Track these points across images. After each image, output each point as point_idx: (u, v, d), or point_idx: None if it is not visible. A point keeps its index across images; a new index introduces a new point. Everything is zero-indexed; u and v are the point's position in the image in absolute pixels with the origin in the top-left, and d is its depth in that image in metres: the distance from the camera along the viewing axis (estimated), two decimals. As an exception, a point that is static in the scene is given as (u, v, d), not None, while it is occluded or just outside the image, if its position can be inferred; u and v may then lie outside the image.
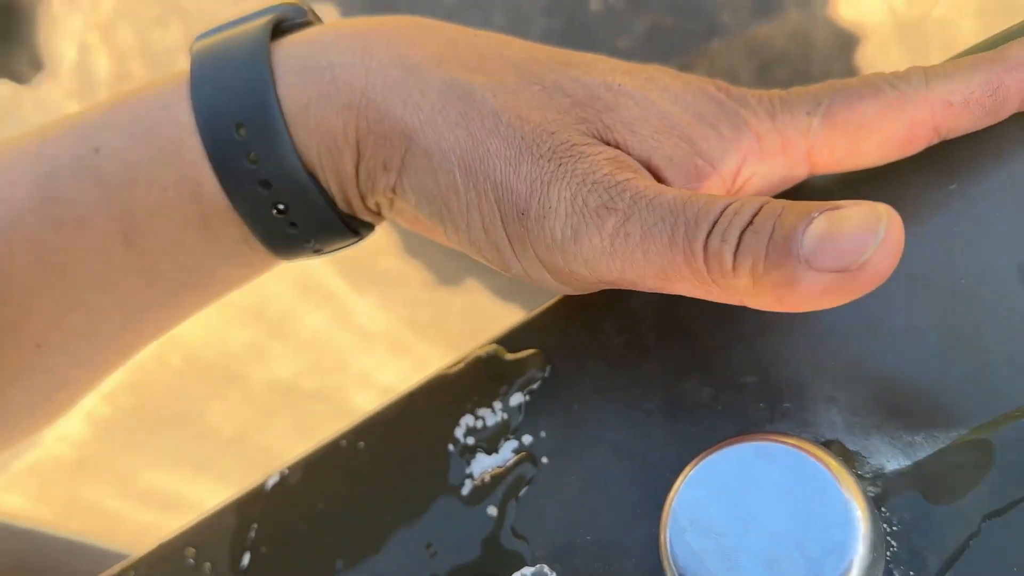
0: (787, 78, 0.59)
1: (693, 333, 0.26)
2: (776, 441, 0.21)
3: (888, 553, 0.20)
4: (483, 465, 0.27)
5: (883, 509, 0.21)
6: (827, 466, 0.20)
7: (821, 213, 0.18)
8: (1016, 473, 0.20)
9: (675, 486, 0.21)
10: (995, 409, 0.21)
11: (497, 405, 0.28)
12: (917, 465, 0.21)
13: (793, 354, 0.24)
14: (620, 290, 0.27)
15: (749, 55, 0.61)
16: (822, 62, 0.61)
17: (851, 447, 0.22)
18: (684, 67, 0.57)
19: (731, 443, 0.21)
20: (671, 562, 0.21)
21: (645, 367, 0.26)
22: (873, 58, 0.61)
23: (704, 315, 0.26)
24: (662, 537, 0.21)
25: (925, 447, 0.21)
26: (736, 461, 0.21)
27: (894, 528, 0.21)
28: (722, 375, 0.25)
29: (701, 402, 0.25)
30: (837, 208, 0.18)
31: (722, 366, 0.25)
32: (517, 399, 0.27)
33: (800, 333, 0.24)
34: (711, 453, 0.21)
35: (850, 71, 0.60)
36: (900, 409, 0.22)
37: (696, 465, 0.21)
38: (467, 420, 0.28)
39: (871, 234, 0.18)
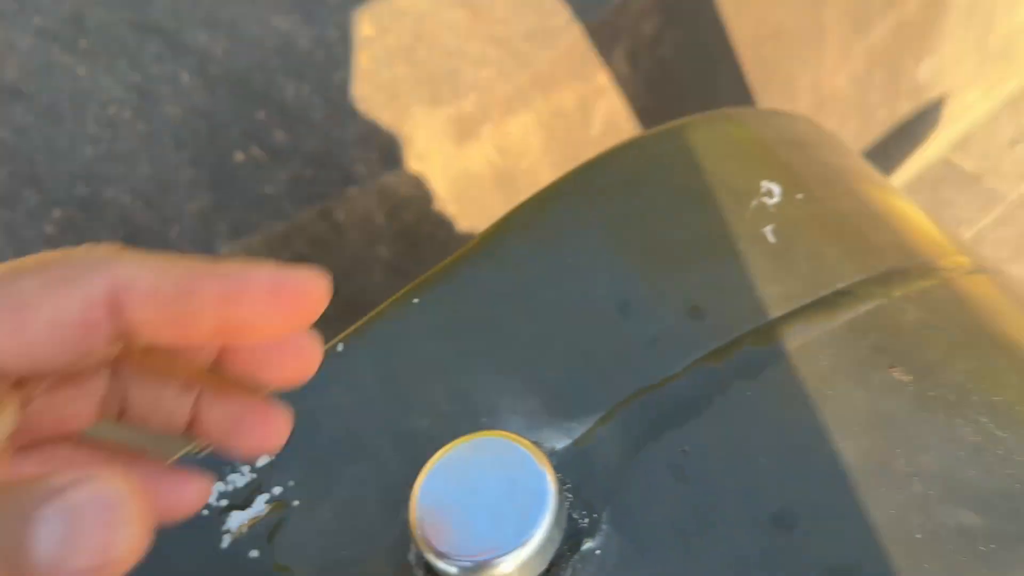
0: (414, 219, 0.71)
1: (407, 380, 0.33)
2: (487, 436, 0.29)
3: (567, 502, 0.29)
4: (239, 520, 0.31)
5: (558, 473, 0.30)
6: (524, 447, 0.28)
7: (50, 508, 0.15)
8: (637, 433, 0.30)
9: (418, 480, 0.28)
10: (618, 394, 0.31)
11: (244, 468, 0.32)
12: (576, 441, 0.30)
13: (482, 384, 0.33)
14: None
15: (381, 200, 0.72)
16: (442, 204, 0.73)
17: (531, 438, 0.31)
18: (325, 212, 0.66)
19: (455, 443, 0.29)
20: (422, 536, 0.27)
21: (369, 416, 0.33)
22: (480, 200, 0.74)
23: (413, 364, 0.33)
24: (412, 518, 0.28)
25: (579, 428, 0.31)
26: (461, 454, 0.29)
27: (568, 485, 0.29)
28: (430, 408, 0.32)
29: (419, 431, 0.32)
30: (64, 496, 0.16)
31: (429, 401, 0.33)
32: (264, 459, 0.32)
33: (483, 367, 0.33)
34: (443, 452, 0.29)
35: (462, 213, 0.73)
36: (557, 405, 0.31)
37: (433, 463, 0.29)
38: (217, 487, 0.32)
39: (114, 526, 0.16)
